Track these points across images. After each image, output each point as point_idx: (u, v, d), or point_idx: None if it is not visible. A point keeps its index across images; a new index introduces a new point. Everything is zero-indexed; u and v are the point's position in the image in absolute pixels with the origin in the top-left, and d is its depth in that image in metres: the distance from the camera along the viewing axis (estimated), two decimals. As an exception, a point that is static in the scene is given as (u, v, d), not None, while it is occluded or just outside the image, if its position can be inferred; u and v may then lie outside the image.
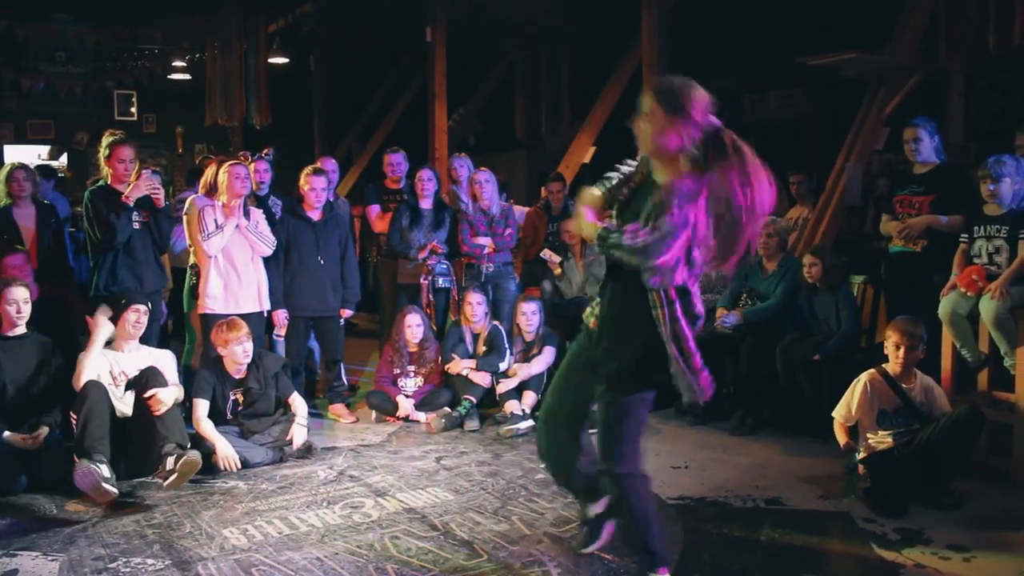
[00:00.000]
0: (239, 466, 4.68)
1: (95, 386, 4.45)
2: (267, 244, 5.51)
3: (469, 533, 3.84)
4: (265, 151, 6.98)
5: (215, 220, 5.39)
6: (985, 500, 4.17)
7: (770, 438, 5.24)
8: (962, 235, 4.79)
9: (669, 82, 2.90)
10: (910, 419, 4.22)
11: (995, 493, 4.28)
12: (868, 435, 4.28)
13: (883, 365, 4.33)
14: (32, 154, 12.63)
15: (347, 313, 5.99)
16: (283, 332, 5.74)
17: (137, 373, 4.63)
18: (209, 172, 6.08)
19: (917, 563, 3.51)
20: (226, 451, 4.68)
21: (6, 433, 4.46)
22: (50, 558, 3.64)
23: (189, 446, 4.46)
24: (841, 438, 4.37)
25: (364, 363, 7.35)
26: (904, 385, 4.26)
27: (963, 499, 4.10)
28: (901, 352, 4.22)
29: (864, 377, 4.32)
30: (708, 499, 4.27)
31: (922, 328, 4.31)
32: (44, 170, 5.18)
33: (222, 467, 4.65)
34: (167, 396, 4.48)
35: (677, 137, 2.83)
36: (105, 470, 4.19)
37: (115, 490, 4.17)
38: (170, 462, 4.26)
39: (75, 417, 4.40)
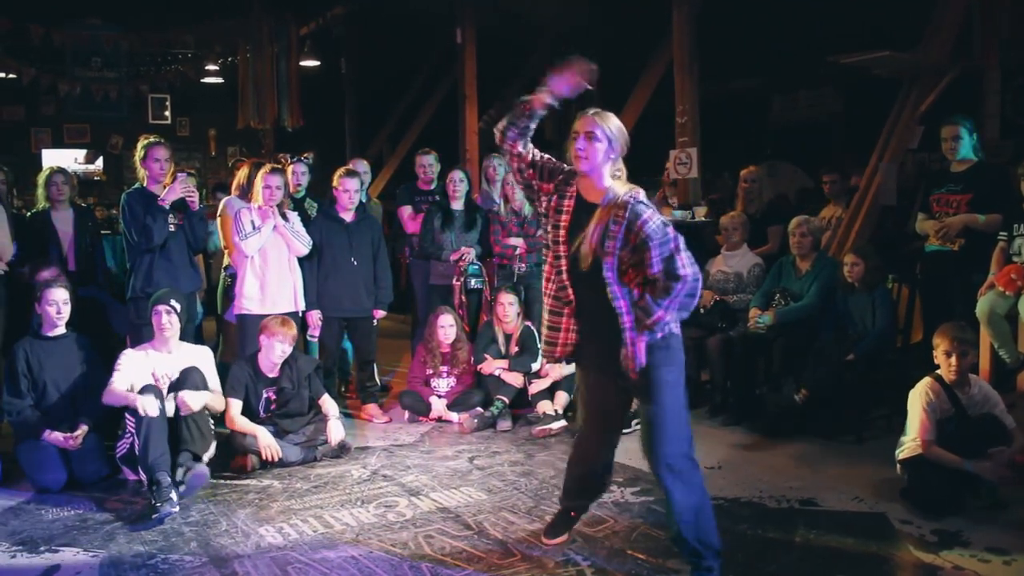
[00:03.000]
0: (279, 454, 4.72)
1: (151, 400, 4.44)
2: (304, 243, 5.54)
3: (503, 532, 3.85)
4: (305, 155, 7.04)
5: (252, 221, 5.44)
6: (1024, 502, 4.11)
7: (804, 439, 5.18)
8: (1001, 233, 4.73)
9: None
10: (960, 424, 4.14)
11: (1035, 496, 4.21)
12: (909, 438, 4.22)
13: (938, 372, 4.23)
14: (68, 158, 12.83)
15: (380, 314, 6.02)
16: (317, 333, 5.78)
17: (179, 374, 4.68)
18: (241, 173, 6.14)
19: (956, 566, 3.46)
20: (267, 440, 4.72)
21: (47, 432, 4.55)
22: (91, 554, 3.70)
23: (208, 456, 4.55)
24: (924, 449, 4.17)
25: (396, 364, 7.38)
26: (959, 393, 4.16)
27: (1004, 501, 4.04)
28: (954, 360, 4.12)
29: (921, 388, 4.19)
30: (742, 499, 4.25)
31: (971, 333, 4.22)
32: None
33: (264, 456, 4.69)
34: (194, 400, 4.52)
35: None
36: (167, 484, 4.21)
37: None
38: (179, 473, 4.29)
39: (132, 428, 4.44)
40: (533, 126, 3.29)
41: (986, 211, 4.95)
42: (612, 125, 3.24)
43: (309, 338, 5.80)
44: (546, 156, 3.38)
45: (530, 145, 3.35)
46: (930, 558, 3.54)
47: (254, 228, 5.40)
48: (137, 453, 4.32)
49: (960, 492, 4.01)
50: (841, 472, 4.62)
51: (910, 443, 4.20)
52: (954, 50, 6.20)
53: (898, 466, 4.26)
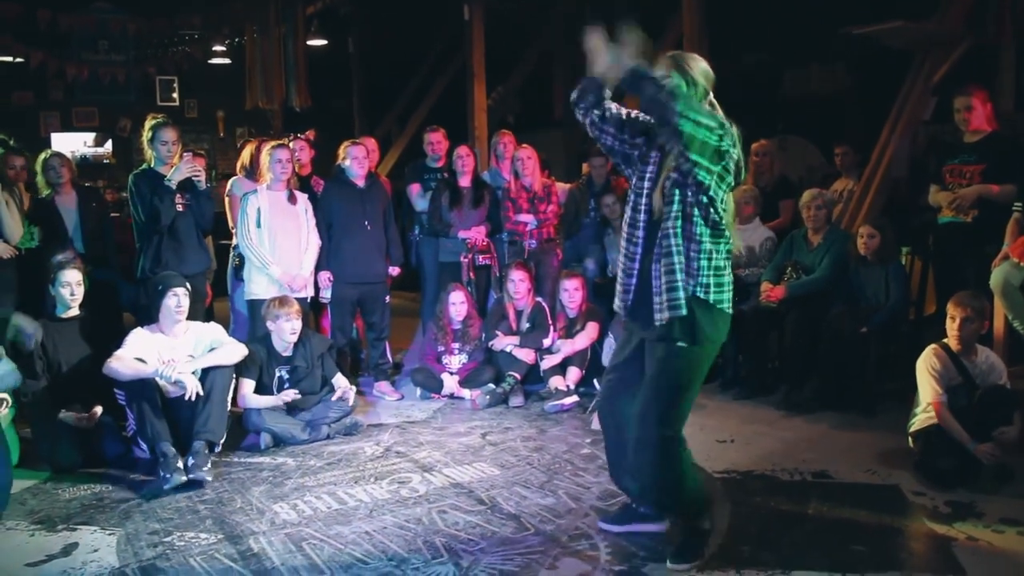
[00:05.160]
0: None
1: (141, 382, 4.44)
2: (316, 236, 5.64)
3: (516, 507, 3.86)
4: (308, 133, 7.03)
5: (257, 209, 5.44)
6: (1039, 473, 4.10)
7: (816, 412, 5.17)
8: (1016, 204, 4.68)
9: None
10: (970, 395, 4.13)
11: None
12: (921, 409, 4.21)
13: (944, 340, 4.24)
14: (78, 141, 12.86)
15: (395, 271, 6.07)
16: (327, 294, 5.77)
17: (190, 358, 4.66)
18: (246, 153, 6.14)
19: (970, 536, 3.46)
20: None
21: (63, 412, 4.58)
22: (108, 532, 3.73)
23: (222, 442, 4.55)
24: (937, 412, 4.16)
25: (408, 341, 7.39)
26: (965, 361, 4.16)
27: (1013, 474, 4.02)
28: (956, 325, 4.13)
29: (926, 354, 4.20)
30: (755, 472, 4.25)
31: (983, 302, 4.21)
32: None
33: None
34: (191, 383, 4.43)
35: None
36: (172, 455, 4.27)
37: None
38: (190, 461, 4.27)
39: (128, 408, 4.49)
40: (608, 94, 3.20)
41: (1000, 181, 4.90)
42: (693, 67, 3.15)
43: (321, 299, 5.79)
44: (630, 112, 3.28)
45: (608, 104, 3.24)
46: (943, 529, 3.54)
47: (257, 223, 5.41)
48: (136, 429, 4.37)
49: (972, 463, 3.99)
50: (853, 444, 4.61)
51: (922, 415, 4.20)
52: (968, 20, 6.12)
53: (910, 438, 4.26)
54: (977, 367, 4.17)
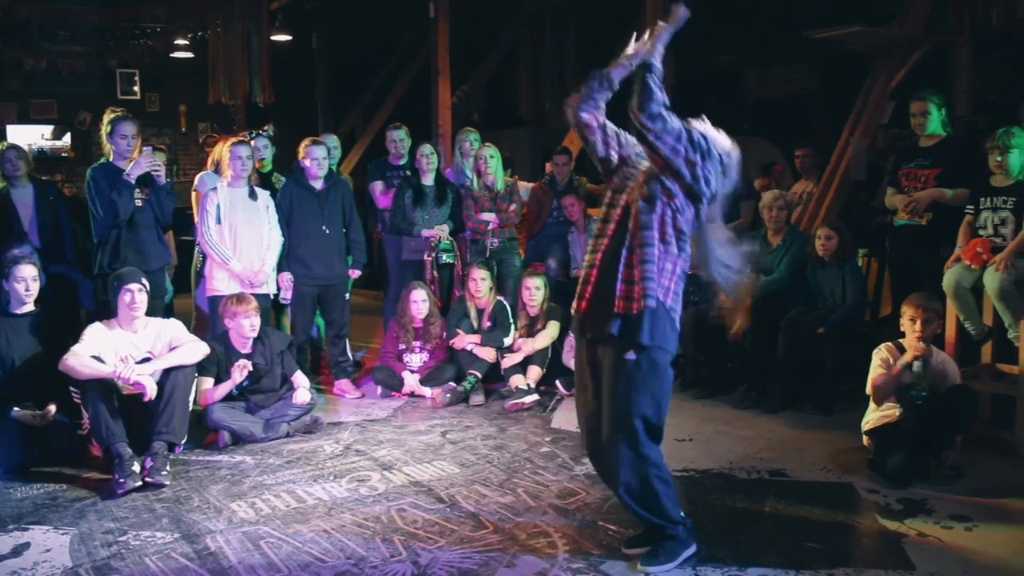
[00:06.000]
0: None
1: (97, 381, 4.34)
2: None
3: (475, 505, 3.87)
4: (264, 128, 6.98)
5: (217, 205, 5.40)
6: (987, 471, 4.19)
7: (774, 412, 5.25)
8: (968, 207, 4.78)
9: None
10: (921, 394, 4.22)
11: (997, 464, 4.29)
12: (876, 407, 4.30)
13: (900, 340, 4.32)
14: (35, 134, 12.61)
15: (355, 273, 6.04)
16: (288, 295, 5.74)
17: (149, 354, 4.60)
18: (217, 149, 6.09)
19: (920, 532, 3.53)
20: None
21: (15, 410, 4.50)
22: (61, 532, 3.68)
23: (183, 441, 4.50)
24: (877, 395, 4.30)
25: (369, 340, 7.37)
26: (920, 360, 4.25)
27: (963, 471, 4.12)
28: (917, 326, 4.21)
29: (879, 349, 4.32)
30: (713, 471, 4.29)
31: (938, 303, 4.32)
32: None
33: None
34: (150, 386, 4.35)
35: None
36: (128, 457, 4.21)
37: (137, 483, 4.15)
38: (148, 462, 4.21)
39: (83, 407, 4.41)
40: (608, 96, 3.20)
41: (954, 185, 5.00)
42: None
43: (282, 300, 5.75)
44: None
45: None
46: (895, 526, 3.61)
47: (217, 216, 5.36)
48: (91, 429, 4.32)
49: (924, 462, 4.08)
50: (810, 443, 4.68)
51: (874, 413, 4.28)
52: (927, 25, 6.22)
53: (864, 437, 4.34)
54: (930, 366, 4.25)
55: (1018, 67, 7.60)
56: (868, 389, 4.32)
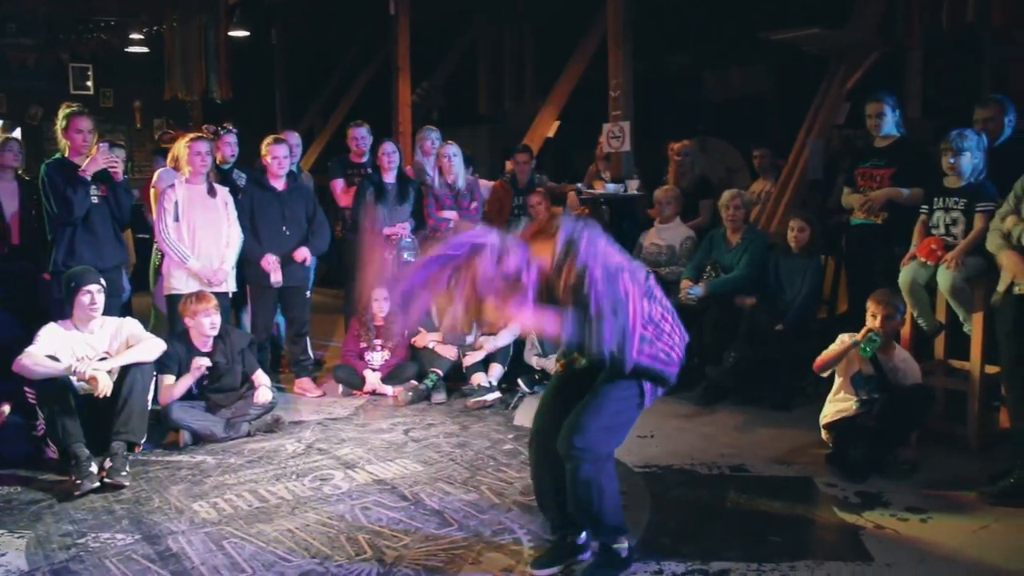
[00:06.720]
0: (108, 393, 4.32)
1: (52, 381, 4.28)
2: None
3: (439, 503, 3.87)
4: (225, 124, 6.89)
5: (175, 202, 5.33)
6: (941, 465, 4.28)
7: (734, 407, 5.32)
8: (922, 207, 4.88)
9: None
10: (880, 388, 4.30)
11: (950, 458, 4.38)
12: (835, 398, 4.38)
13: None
14: (-17, 129, 12.34)
15: (303, 251, 5.75)
16: (278, 276, 5.64)
17: (106, 355, 4.52)
18: (178, 145, 6.01)
19: (877, 524, 3.60)
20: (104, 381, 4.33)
21: (-32, 411, 4.41)
22: (16, 535, 3.61)
23: (143, 441, 4.45)
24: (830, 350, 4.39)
25: (330, 338, 7.33)
26: (881, 355, 4.33)
27: (918, 465, 4.21)
28: (878, 322, 4.29)
29: (845, 337, 4.37)
30: (674, 467, 4.34)
31: (899, 299, 4.41)
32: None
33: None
34: (104, 382, 4.27)
35: None
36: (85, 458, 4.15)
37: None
38: (107, 463, 4.16)
39: (38, 407, 4.34)
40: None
41: (908, 185, 5.10)
42: None
43: (273, 284, 5.67)
44: None
45: None
46: (853, 519, 3.68)
47: (175, 213, 5.30)
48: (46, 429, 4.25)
49: (881, 456, 4.16)
50: (770, 439, 4.75)
51: (832, 406, 4.36)
52: (880, 29, 6.34)
53: (823, 431, 4.41)
54: (892, 362, 4.34)
55: (968, 71, 7.78)
56: (822, 357, 4.39)
